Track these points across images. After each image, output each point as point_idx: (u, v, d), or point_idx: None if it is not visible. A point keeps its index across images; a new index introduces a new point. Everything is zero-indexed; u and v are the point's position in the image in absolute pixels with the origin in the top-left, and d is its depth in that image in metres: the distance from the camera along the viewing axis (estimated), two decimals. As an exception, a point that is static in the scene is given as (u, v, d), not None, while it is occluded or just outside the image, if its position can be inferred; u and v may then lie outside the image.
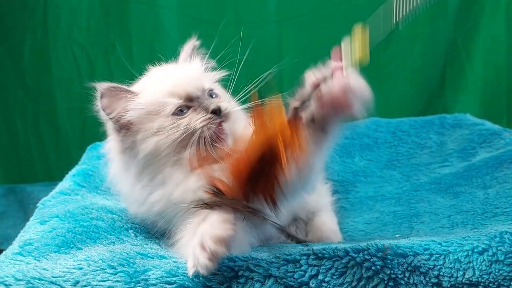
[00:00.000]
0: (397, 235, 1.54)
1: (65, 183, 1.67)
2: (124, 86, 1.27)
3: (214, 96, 1.30)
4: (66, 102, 2.85)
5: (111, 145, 1.32)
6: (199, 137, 1.19)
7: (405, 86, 2.91)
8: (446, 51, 2.86)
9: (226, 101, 1.28)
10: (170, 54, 2.74)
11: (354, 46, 1.10)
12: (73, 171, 1.79)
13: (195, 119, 1.21)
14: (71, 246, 1.25)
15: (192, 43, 1.42)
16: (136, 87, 1.33)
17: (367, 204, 1.81)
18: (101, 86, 1.23)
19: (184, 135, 1.20)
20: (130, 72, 2.78)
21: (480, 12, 2.77)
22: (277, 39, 2.82)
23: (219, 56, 1.39)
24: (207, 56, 1.39)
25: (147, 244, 1.29)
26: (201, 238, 1.02)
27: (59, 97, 2.84)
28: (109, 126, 1.30)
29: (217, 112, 1.22)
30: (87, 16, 2.73)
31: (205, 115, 1.21)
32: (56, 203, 1.51)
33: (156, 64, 1.40)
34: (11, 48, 2.78)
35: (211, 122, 1.21)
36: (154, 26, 2.75)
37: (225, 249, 1.01)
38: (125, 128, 1.24)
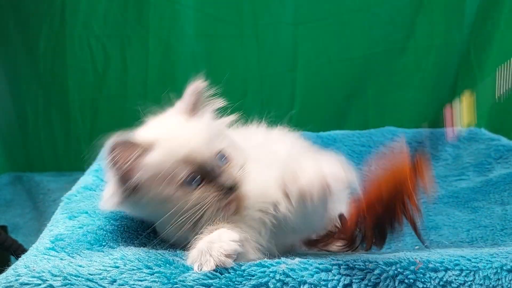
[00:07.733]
0: (416, 247, 1.56)
1: (88, 178, 1.67)
2: (135, 141, 1.18)
3: (224, 159, 1.22)
4: (79, 93, 2.85)
5: (109, 196, 1.23)
6: (207, 209, 1.16)
7: (417, 95, 2.92)
8: (459, 63, 2.88)
9: (237, 163, 1.23)
10: (185, 51, 2.77)
11: (462, 109, 1.28)
12: (94, 166, 1.77)
13: (207, 194, 1.17)
14: (103, 244, 1.26)
15: (197, 85, 1.29)
16: (143, 136, 1.22)
17: (385, 213, 1.82)
18: (112, 141, 1.14)
19: (194, 209, 1.15)
20: (144, 66, 2.81)
21: (494, 27, 2.79)
22: (293, 42, 2.83)
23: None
24: (214, 97, 1.31)
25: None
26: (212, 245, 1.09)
27: (72, 88, 2.84)
28: (111, 177, 1.20)
29: (232, 188, 1.17)
30: (105, 8, 2.72)
31: (219, 192, 1.17)
32: (82, 198, 1.51)
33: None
34: (27, 37, 2.77)
35: (224, 198, 1.17)
36: (171, 22, 2.76)
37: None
38: (131, 189, 1.18)
